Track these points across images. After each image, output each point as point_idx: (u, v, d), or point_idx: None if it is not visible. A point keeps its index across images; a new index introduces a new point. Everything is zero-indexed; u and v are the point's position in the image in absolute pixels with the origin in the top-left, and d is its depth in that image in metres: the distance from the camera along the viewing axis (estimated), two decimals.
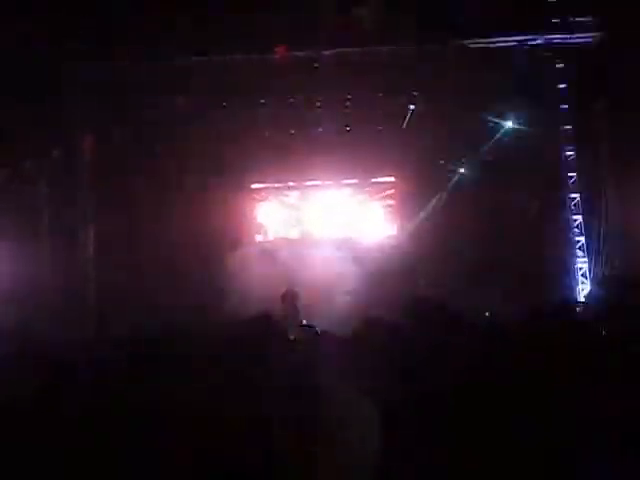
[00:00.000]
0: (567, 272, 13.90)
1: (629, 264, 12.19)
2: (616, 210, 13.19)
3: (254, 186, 15.63)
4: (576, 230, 13.91)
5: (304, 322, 11.33)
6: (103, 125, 12.38)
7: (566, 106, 13.75)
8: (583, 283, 13.67)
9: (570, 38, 13.21)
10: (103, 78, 11.89)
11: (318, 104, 14.29)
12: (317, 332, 4.97)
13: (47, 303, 10.96)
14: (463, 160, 15.24)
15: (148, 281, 12.85)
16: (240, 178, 15.02)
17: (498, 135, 14.33)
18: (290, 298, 13.02)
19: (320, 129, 14.79)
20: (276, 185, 15.80)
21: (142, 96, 12.48)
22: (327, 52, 13.05)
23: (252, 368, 2.71)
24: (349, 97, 14.17)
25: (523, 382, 2.25)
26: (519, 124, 14.17)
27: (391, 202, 16.02)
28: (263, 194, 15.77)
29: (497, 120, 14.40)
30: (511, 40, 13.24)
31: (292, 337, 4.95)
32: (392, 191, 15.94)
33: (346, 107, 14.33)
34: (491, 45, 13.16)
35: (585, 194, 13.79)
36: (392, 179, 15.87)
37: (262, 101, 13.95)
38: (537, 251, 14.50)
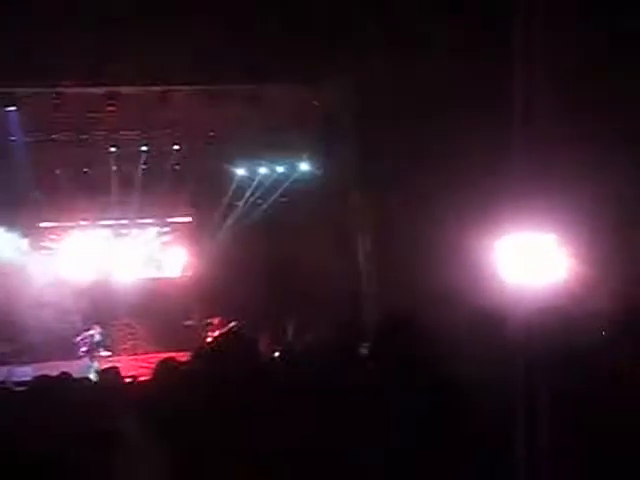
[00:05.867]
0: (356, 305, 14.59)
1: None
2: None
3: (43, 224, 14.67)
4: (364, 262, 14.74)
5: None
6: None
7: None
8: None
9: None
10: None
11: (113, 142, 13.97)
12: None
13: None
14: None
15: None
16: (31, 215, 13.99)
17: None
18: None
19: (114, 167, 14.42)
20: (68, 224, 14.97)
21: None
22: (125, 88, 12.79)
23: None
24: (146, 135, 14.05)
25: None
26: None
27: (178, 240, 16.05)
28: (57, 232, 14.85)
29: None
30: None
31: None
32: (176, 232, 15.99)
33: (144, 145, 14.20)
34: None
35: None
36: (189, 219, 15.84)
37: (53, 137, 13.32)
38: (329, 283, 15.19)
